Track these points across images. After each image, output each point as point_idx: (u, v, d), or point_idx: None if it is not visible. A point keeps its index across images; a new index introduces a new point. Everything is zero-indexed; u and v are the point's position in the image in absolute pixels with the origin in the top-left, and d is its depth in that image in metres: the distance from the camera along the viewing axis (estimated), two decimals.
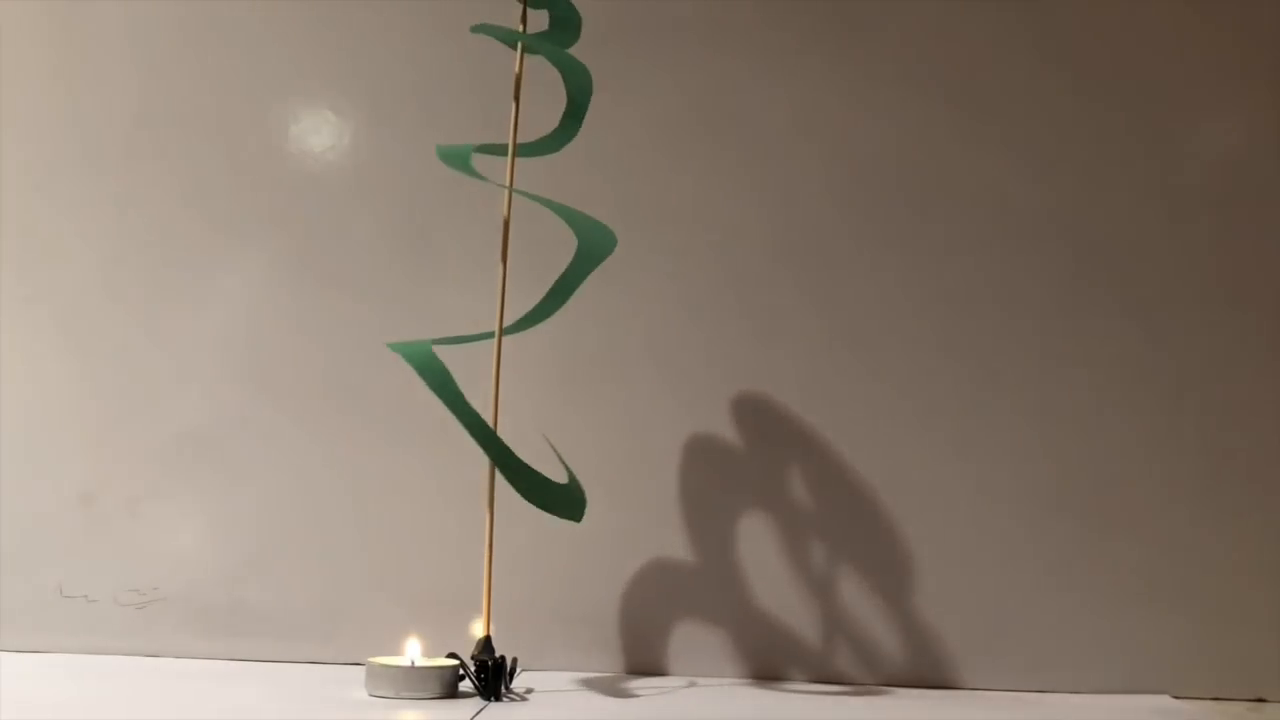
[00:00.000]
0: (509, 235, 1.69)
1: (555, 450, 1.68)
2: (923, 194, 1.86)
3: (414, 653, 1.64)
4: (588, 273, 1.67)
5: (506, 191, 1.69)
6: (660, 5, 1.89)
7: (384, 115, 1.90)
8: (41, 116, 1.93)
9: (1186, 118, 1.85)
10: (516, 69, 1.70)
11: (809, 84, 1.87)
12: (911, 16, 1.87)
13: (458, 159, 1.64)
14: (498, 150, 1.69)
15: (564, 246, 1.69)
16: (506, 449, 1.61)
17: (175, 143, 1.91)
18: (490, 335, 1.68)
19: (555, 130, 1.71)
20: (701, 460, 1.85)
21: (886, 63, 1.87)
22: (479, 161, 1.67)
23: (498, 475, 1.65)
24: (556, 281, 1.69)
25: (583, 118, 1.69)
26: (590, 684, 1.75)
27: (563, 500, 1.64)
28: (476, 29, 1.67)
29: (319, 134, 1.91)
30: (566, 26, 1.71)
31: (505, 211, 1.69)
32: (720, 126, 1.88)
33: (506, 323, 1.68)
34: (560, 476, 1.66)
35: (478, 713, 1.55)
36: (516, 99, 1.69)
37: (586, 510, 1.65)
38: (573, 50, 1.70)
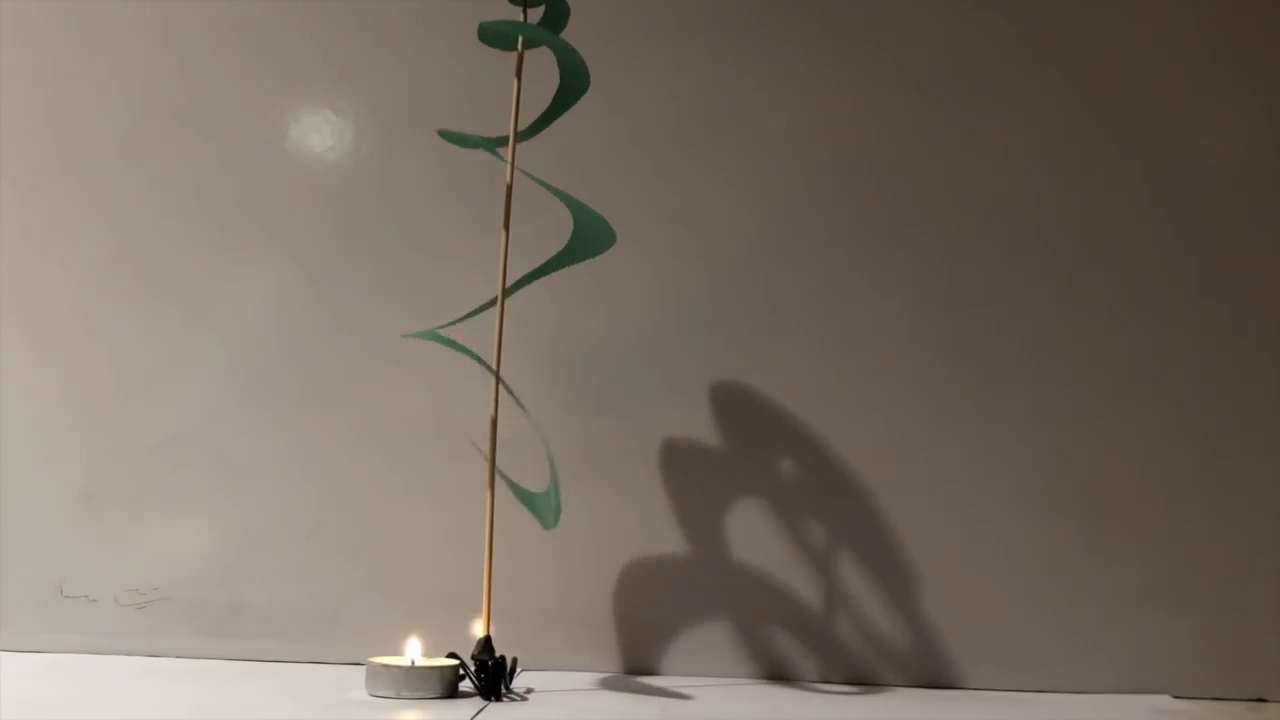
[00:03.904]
0: (510, 210, 1.69)
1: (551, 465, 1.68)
2: (922, 194, 1.86)
3: (414, 653, 1.64)
4: (580, 259, 1.68)
5: (507, 171, 1.69)
6: (660, 5, 1.89)
7: (384, 114, 1.90)
8: (41, 116, 1.93)
9: (1186, 118, 1.85)
10: (516, 88, 1.70)
11: (808, 84, 1.88)
12: (911, 17, 1.87)
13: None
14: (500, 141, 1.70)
15: (565, 236, 1.69)
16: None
17: (175, 143, 1.91)
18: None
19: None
20: (700, 460, 1.85)
21: (886, 63, 1.87)
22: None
23: (498, 475, 1.65)
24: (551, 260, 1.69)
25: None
26: (590, 684, 1.75)
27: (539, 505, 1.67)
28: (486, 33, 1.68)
29: (319, 134, 1.91)
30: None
31: (505, 200, 1.69)
32: (719, 126, 1.88)
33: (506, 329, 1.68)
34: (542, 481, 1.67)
35: (478, 713, 1.55)
36: (517, 104, 1.70)
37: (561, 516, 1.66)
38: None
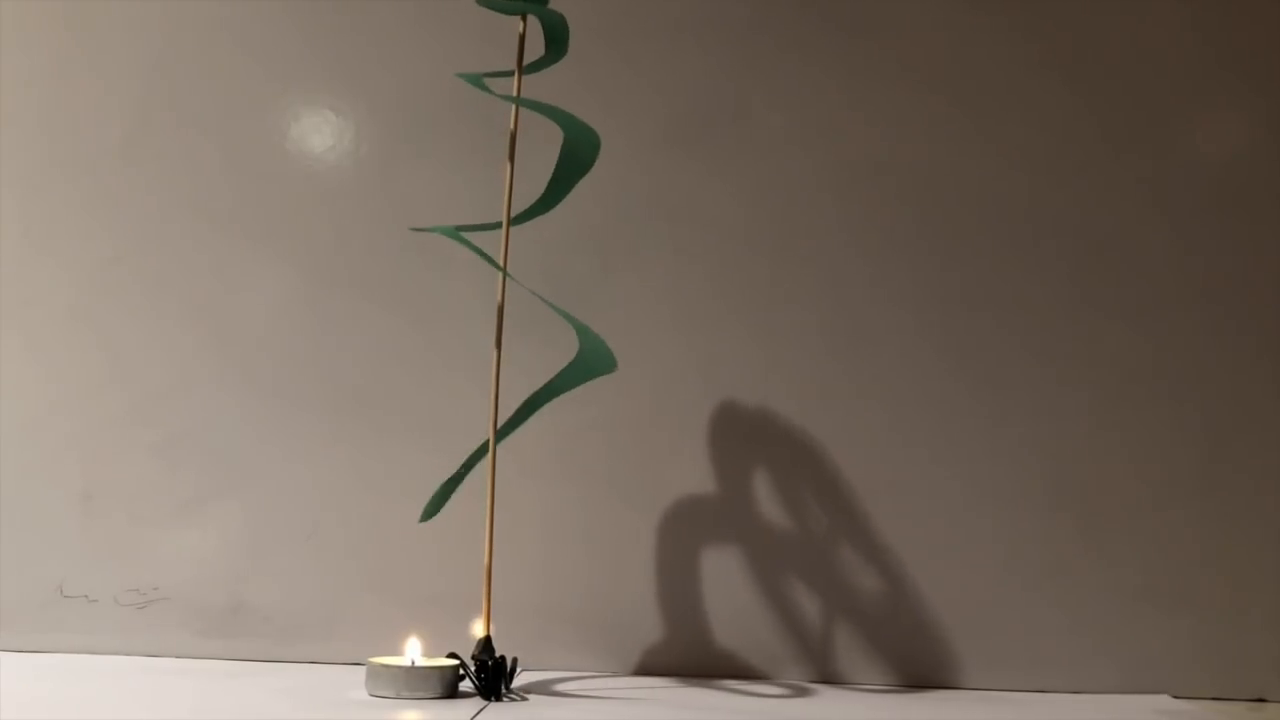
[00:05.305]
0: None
1: None
2: (923, 194, 1.86)
3: (414, 653, 1.64)
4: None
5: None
6: (659, 5, 1.89)
7: (384, 114, 1.90)
8: (41, 116, 1.93)
9: (1187, 118, 1.85)
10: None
11: (809, 84, 1.88)
12: (911, 17, 1.87)
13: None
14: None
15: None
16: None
17: (174, 143, 1.91)
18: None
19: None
20: (701, 460, 1.85)
21: (886, 63, 1.87)
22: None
23: (498, 474, 1.66)
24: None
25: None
26: (590, 684, 1.75)
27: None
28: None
29: (319, 134, 1.91)
30: (556, 41, 1.70)
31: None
32: (717, 126, 1.88)
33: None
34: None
35: (478, 713, 1.55)
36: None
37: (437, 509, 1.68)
38: (571, 51, 1.70)
